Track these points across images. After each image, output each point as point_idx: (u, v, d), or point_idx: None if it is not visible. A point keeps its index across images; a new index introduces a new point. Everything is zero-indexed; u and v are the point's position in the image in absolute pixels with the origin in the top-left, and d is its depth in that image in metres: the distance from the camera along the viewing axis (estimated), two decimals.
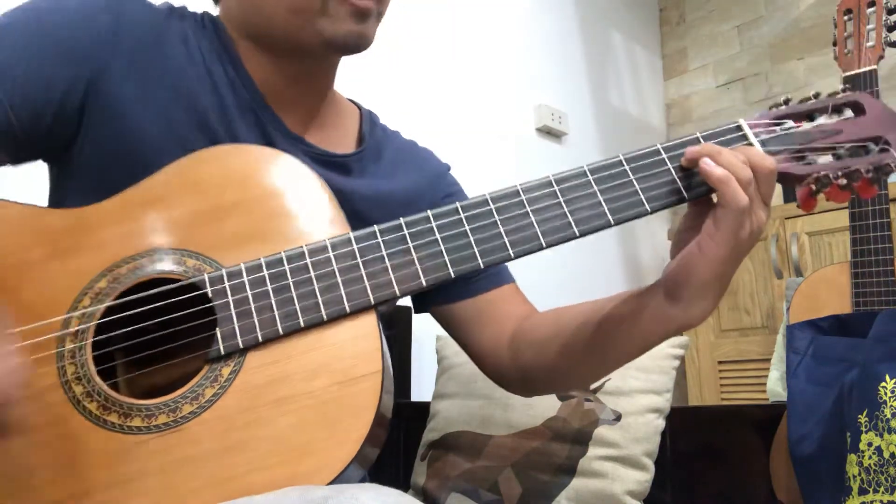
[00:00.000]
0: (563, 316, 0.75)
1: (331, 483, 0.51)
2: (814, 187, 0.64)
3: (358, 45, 0.71)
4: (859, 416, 1.03)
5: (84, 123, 0.66)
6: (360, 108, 0.88)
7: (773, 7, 2.58)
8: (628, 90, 2.69)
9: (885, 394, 1.01)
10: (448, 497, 1.24)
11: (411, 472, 1.34)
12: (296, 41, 0.70)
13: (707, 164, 0.59)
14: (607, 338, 0.69)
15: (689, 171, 0.63)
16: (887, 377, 1.02)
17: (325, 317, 0.57)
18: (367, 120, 0.85)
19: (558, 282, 2.16)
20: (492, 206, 0.61)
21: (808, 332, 1.25)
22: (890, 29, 1.25)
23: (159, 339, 0.58)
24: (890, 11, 1.25)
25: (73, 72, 0.65)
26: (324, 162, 0.74)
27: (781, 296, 2.02)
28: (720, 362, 2.22)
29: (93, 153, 0.66)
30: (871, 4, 1.27)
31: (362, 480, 0.63)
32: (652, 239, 2.65)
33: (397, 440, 1.45)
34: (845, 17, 1.29)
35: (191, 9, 0.76)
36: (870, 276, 1.25)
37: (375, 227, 0.61)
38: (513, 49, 2.23)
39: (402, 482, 1.34)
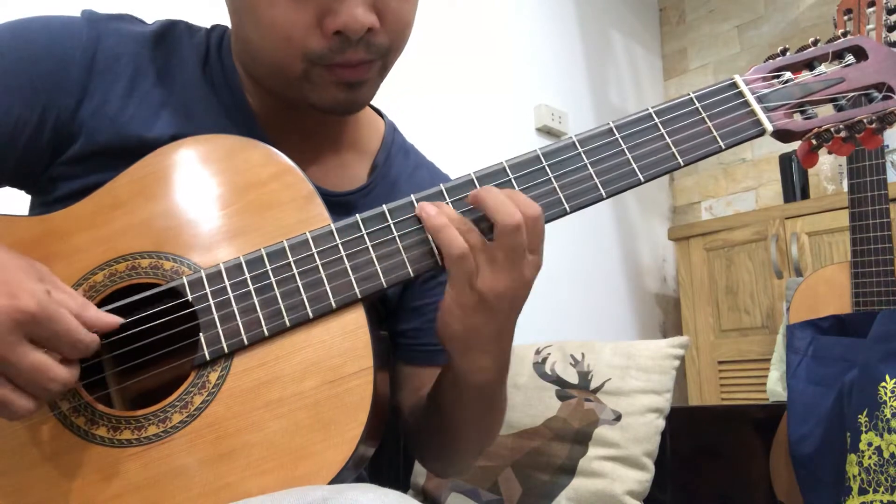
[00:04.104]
0: (433, 387, 0.73)
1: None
2: (814, 142, 0.61)
3: (347, 111, 0.67)
4: (859, 416, 1.03)
5: (58, 161, 0.64)
6: (384, 120, 0.81)
7: (773, 7, 2.58)
8: (628, 90, 2.69)
9: (885, 394, 1.01)
10: (448, 497, 1.24)
11: (411, 472, 1.34)
12: (285, 97, 0.66)
13: (424, 213, 0.57)
14: (444, 403, 0.68)
15: (683, 137, 0.60)
16: (887, 377, 1.02)
17: (310, 314, 0.55)
18: (387, 142, 0.78)
19: (558, 282, 2.16)
20: (478, 187, 0.59)
21: (808, 332, 1.25)
22: (890, 29, 1.25)
23: (146, 346, 0.57)
24: (890, 11, 1.25)
25: (36, 110, 0.62)
26: (325, 203, 0.65)
27: (781, 296, 2.02)
28: (720, 362, 2.22)
29: (77, 186, 0.63)
30: (871, 4, 1.26)
31: (359, 479, 0.63)
32: (652, 239, 2.65)
33: (397, 440, 1.45)
34: (845, 17, 1.29)
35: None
36: (870, 276, 1.25)
37: (358, 217, 0.58)
38: (512, 49, 2.23)
39: (402, 482, 1.34)
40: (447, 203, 0.59)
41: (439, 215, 0.56)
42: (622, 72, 2.68)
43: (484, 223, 0.57)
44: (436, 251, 0.58)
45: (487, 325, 0.58)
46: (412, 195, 0.59)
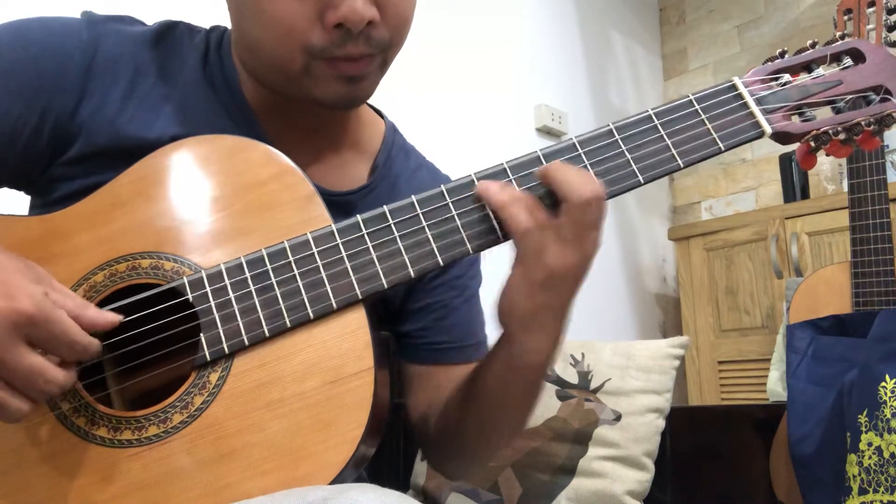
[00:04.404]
0: (470, 377, 0.71)
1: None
2: (813, 144, 0.61)
3: (348, 106, 0.67)
4: (859, 416, 1.03)
5: (57, 162, 0.64)
6: (385, 121, 0.81)
7: (773, 7, 2.58)
8: (628, 90, 2.69)
9: (885, 394, 1.01)
10: (448, 497, 1.24)
11: (411, 472, 1.34)
12: (286, 94, 0.66)
13: (487, 191, 0.57)
14: (485, 390, 0.67)
15: (682, 139, 0.60)
16: (887, 377, 1.02)
17: (311, 315, 0.55)
18: (388, 143, 0.78)
19: None
20: (478, 187, 0.58)
21: (808, 332, 1.25)
22: (890, 29, 1.25)
23: (147, 346, 0.57)
24: (890, 11, 1.25)
25: (35, 111, 0.62)
26: (325, 203, 0.63)
27: (781, 296, 2.02)
28: (720, 362, 2.22)
29: (77, 186, 0.63)
30: (871, 4, 1.26)
31: (359, 479, 0.63)
32: (652, 239, 2.65)
33: (397, 440, 1.45)
34: (845, 17, 1.29)
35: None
36: (870, 276, 1.25)
37: (359, 218, 0.58)
38: (512, 49, 2.23)
39: (402, 482, 1.34)
40: (448, 203, 0.59)
41: (503, 192, 0.56)
42: (622, 72, 2.68)
43: (547, 199, 0.57)
44: (436, 252, 0.58)
45: (553, 301, 0.58)
46: (413, 196, 0.59)
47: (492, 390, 0.66)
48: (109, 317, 0.52)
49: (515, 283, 0.58)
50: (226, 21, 0.69)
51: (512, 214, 0.56)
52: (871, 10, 1.27)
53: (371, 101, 0.80)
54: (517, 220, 0.56)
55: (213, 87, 0.69)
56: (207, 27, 0.74)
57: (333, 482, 0.51)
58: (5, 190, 0.68)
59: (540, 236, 0.56)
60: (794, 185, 2.22)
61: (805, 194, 2.20)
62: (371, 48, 0.61)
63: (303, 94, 0.64)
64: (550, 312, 0.59)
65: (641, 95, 2.74)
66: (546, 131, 2.27)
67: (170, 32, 0.70)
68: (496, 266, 0.61)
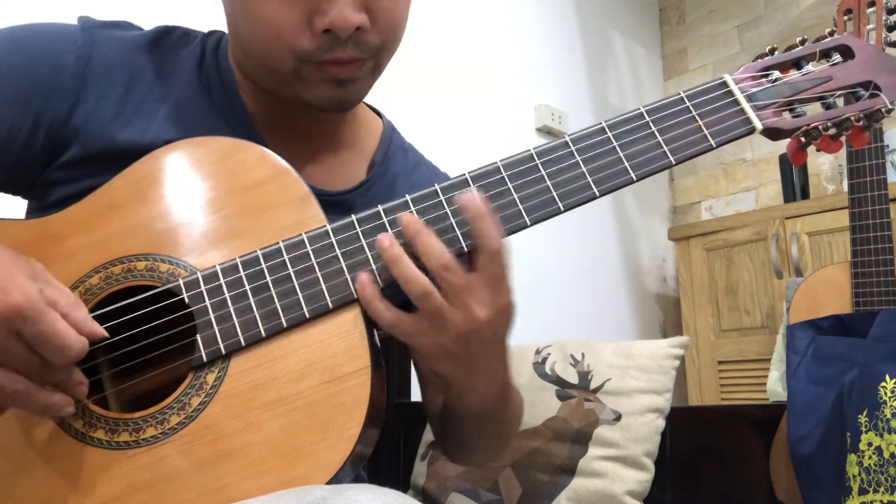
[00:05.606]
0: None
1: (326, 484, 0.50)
2: (803, 140, 0.62)
3: (339, 108, 0.67)
4: (859, 416, 1.03)
5: (53, 166, 0.64)
6: (383, 120, 0.81)
7: (773, 7, 2.57)
8: (628, 90, 2.69)
9: (885, 394, 1.01)
10: (448, 497, 1.24)
11: (411, 472, 1.34)
12: (279, 96, 0.67)
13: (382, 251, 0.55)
14: (452, 414, 0.67)
15: (674, 136, 0.60)
16: (887, 377, 1.02)
17: (307, 314, 0.55)
18: (385, 141, 0.79)
19: (558, 282, 2.16)
20: (472, 187, 0.59)
21: (808, 332, 1.25)
22: (890, 29, 1.25)
23: (144, 348, 0.56)
24: (890, 11, 1.25)
25: (29, 116, 0.62)
26: (321, 203, 0.62)
27: (781, 296, 2.01)
28: (720, 362, 2.22)
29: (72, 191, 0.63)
30: (871, 4, 1.26)
31: (357, 479, 0.63)
32: (652, 239, 2.65)
33: (397, 440, 1.45)
34: (845, 17, 1.28)
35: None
36: (870, 276, 1.25)
37: (353, 217, 0.58)
38: (513, 49, 2.23)
39: (401, 482, 1.34)
40: (442, 200, 0.59)
41: (416, 280, 0.54)
42: (622, 72, 2.68)
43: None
44: None
45: (472, 360, 0.57)
46: (407, 195, 0.59)
47: (452, 424, 0.68)
48: (96, 327, 0.51)
49: (424, 352, 0.57)
50: (224, 25, 0.69)
51: (418, 298, 0.54)
52: (871, 10, 1.27)
53: (370, 100, 0.80)
54: (418, 298, 0.54)
55: (209, 90, 0.69)
56: (205, 31, 0.74)
57: (331, 481, 0.51)
58: (3, 193, 0.68)
59: (441, 303, 0.54)
60: (794, 185, 2.22)
61: (805, 194, 2.20)
62: (361, 53, 0.61)
63: (294, 97, 0.64)
64: (469, 369, 0.58)
65: (641, 95, 2.74)
66: (546, 131, 2.27)
67: (166, 37, 0.70)
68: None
